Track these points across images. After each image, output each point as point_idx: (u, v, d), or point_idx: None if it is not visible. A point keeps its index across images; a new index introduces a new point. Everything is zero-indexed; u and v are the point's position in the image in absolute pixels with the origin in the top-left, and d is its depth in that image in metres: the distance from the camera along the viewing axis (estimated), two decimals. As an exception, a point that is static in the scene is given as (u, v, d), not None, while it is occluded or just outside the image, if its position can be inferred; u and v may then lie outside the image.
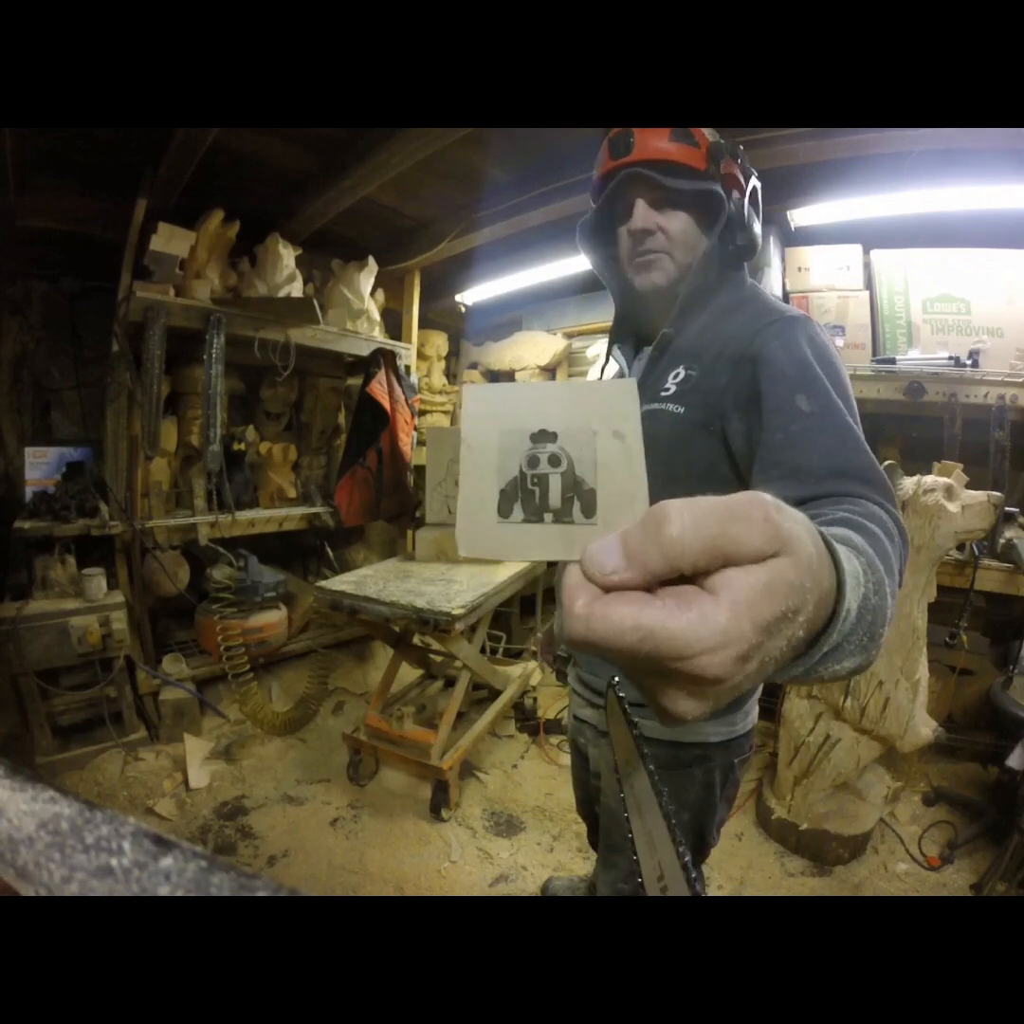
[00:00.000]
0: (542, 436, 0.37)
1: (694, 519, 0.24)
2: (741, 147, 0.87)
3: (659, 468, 0.79)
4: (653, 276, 0.87)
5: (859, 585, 0.35)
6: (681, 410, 0.80)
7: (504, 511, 0.37)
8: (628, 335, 1.00)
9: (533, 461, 0.37)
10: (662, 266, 0.86)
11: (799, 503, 0.58)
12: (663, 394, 0.83)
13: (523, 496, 0.37)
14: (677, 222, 0.85)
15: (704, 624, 0.24)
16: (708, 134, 0.85)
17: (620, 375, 0.98)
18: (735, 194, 0.85)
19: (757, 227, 0.88)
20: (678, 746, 0.91)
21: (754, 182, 0.87)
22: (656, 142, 0.82)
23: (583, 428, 0.37)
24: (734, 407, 0.75)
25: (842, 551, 0.34)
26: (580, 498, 0.36)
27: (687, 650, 0.24)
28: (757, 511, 0.25)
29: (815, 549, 0.28)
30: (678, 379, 0.83)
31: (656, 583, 0.25)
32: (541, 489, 0.37)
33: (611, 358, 1.01)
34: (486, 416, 0.39)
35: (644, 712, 0.78)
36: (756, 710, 0.97)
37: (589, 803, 1.23)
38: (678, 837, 0.39)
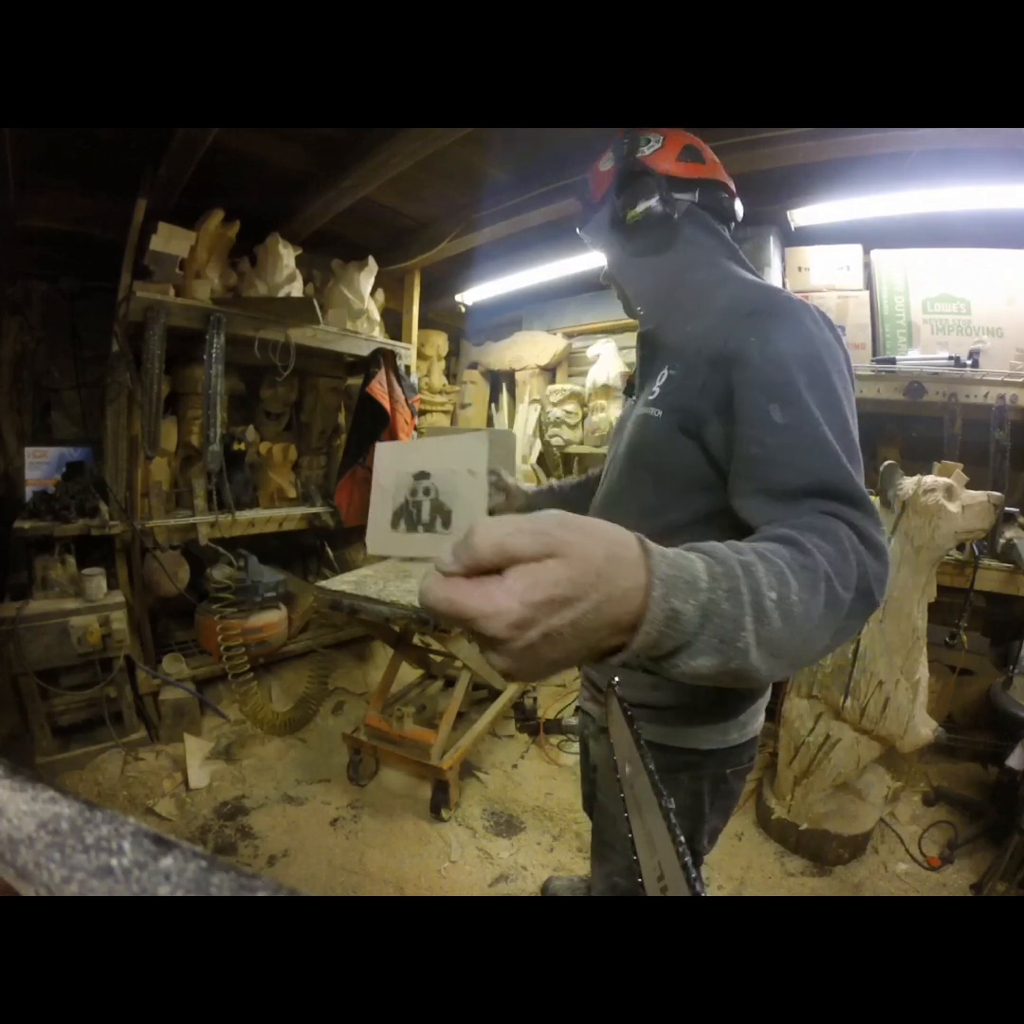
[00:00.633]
0: (421, 475, 0.59)
1: (489, 533, 0.35)
2: (636, 137, 0.90)
3: (648, 474, 0.82)
4: (626, 312, 1.01)
5: (698, 591, 0.41)
6: (660, 414, 0.79)
7: (394, 524, 0.60)
8: None
9: (413, 492, 0.60)
10: (621, 300, 1.00)
11: (773, 520, 0.62)
12: (650, 399, 0.82)
13: (406, 515, 0.60)
14: (605, 257, 0.99)
15: (486, 599, 0.34)
16: (600, 165, 0.97)
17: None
18: (611, 197, 0.92)
19: (631, 207, 0.89)
20: (668, 750, 0.88)
21: (629, 162, 0.89)
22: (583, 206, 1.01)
23: (448, 469, 0.58)
24: (713, 411, 0.72)
25: (670, 562, 0.41)
26: (441, 516, 0.59)
27: (472, 615, 0.35)
28: (538, 525, 0.36)
29: (605, 555, 0.37)
30: (662, 381, 0.81)
31: (475, 573, 0.35)
32: (417, 510, 0.60)
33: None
34: (388, 462, 0.62)
35: (644, 714, 0.79)
36: (757, 722, 0.92)
37: (593, 797, 1.25)
38: (678, 837, 0.39)
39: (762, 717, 0.94)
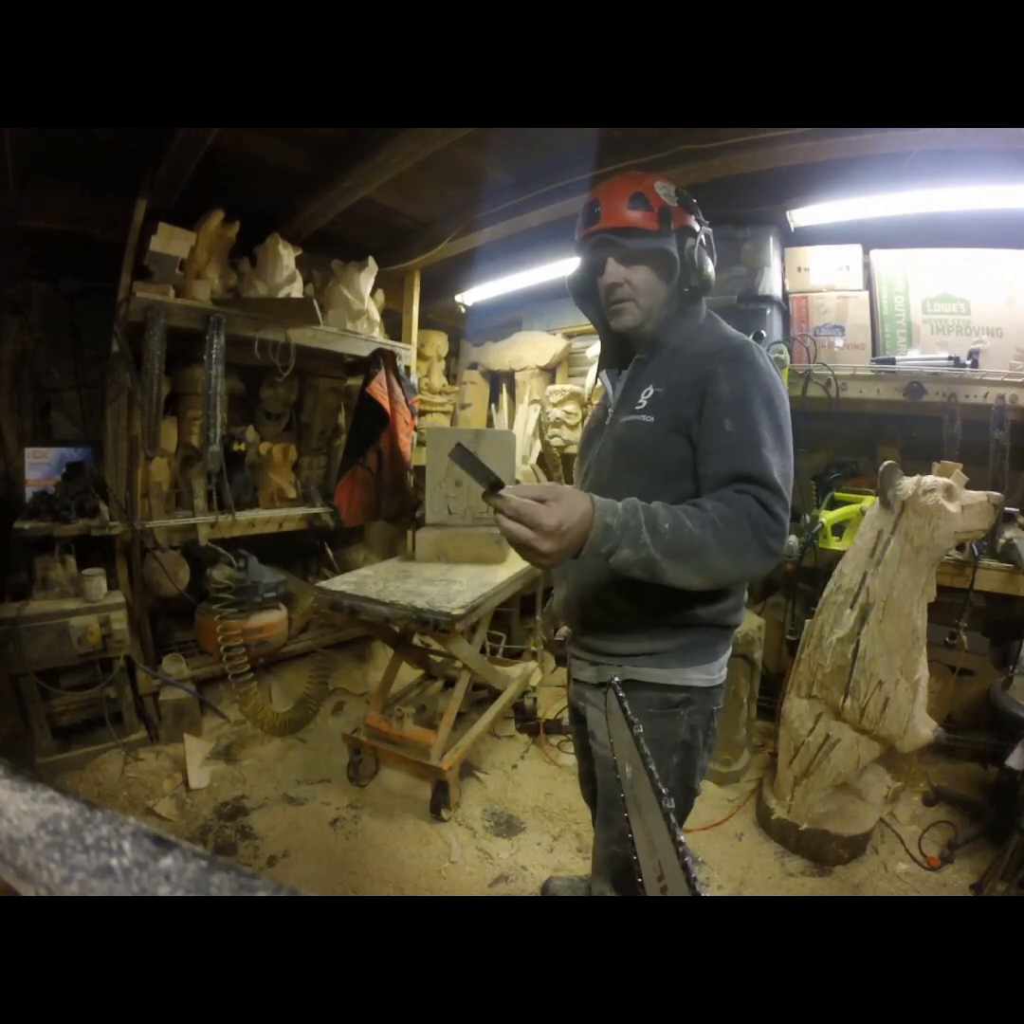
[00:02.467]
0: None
1: (529, 489, 0.81)
2: (695, 201, 1.07)
3: (640, 465, 1.06)
4: (623, 320, 1.08)
5: (617, 514, 0.84)
6: (652, 419, 1.02)
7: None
8: (613, 362, 1.20)
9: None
10: (630, 311, 1.07)
11: (709, 492, 0.93)
12: (637, 408, 1.04)
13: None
14: (640, 274, 1.04)
15: (544, 513, 0.79)
16: (662, 194, 1.02)
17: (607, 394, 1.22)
18: (689, 242, 1.04)
19: (709, 269, 1.07)
20: (668, 689, 1.07)
21: (704, 230, 1.06)
22: (618, 211, 1.02)
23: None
24: (695, 417, 0.97)
25: (607, 505, 0.84)
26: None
27: (537, 519, 0.79)
28: (539, 489, 0.82)
29: (573, 494, 0.82)
30: (648, 396, 1.04)
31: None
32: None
33: (598, 380, 1.22)
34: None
35: (648, 660, 1.10)
36: (725, 669, 1.13)
37: (592, 778, 1.27)
38: (678, 837, 0.39)
39: (726, 667, 1.15)
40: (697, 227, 1.05)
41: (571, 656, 1.24)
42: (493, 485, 0.78)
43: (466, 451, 0.80)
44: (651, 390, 1.04)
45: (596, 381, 1.26)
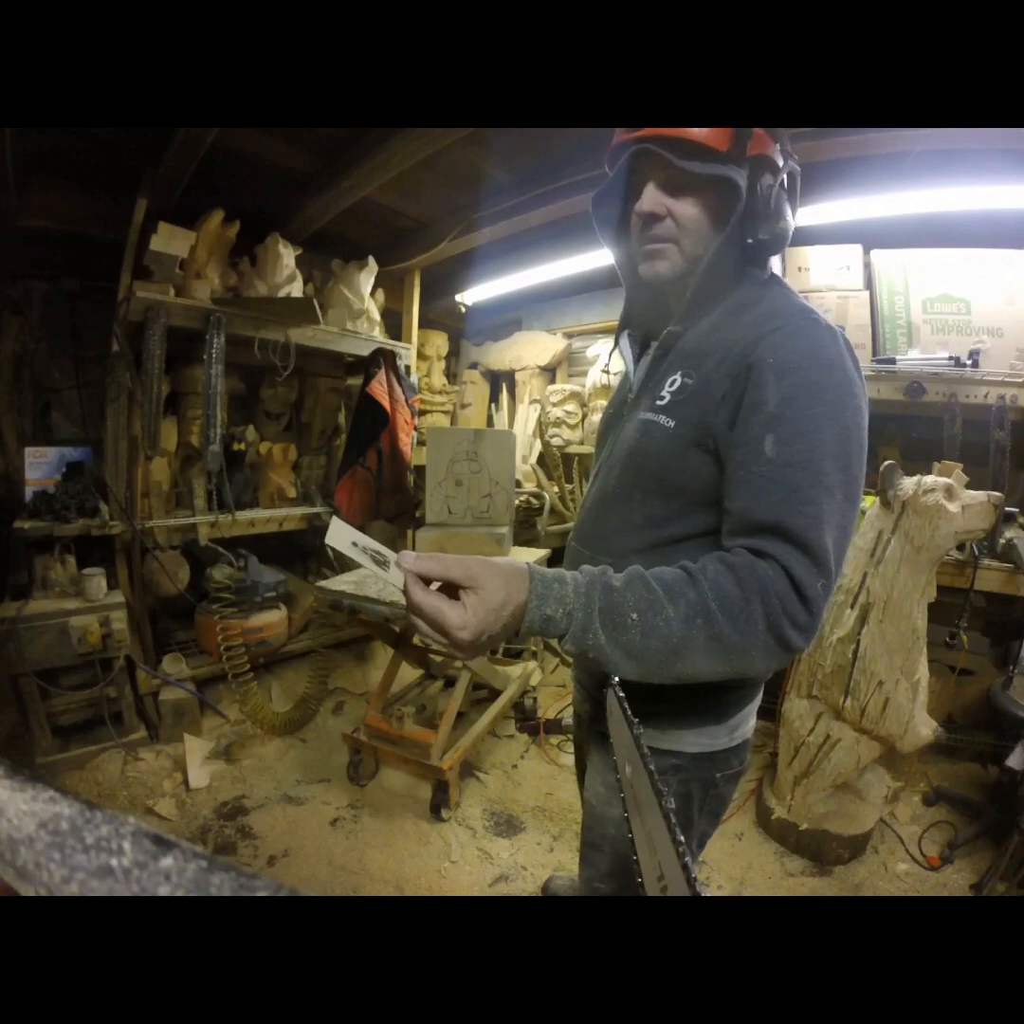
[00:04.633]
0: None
1: (437, 566, 0.63)
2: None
3: (650, 484, 0.81)
4: (657, 266, 0.80)
5: (566, 603, 0.64)
6: (672, 424, 0.76)
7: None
8: (637, 324, 0.93)
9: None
10: (668, 256, 0.79)
11: (731, 536, 0.70)
12: (658, 404, 0.78)
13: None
14: (689, 208, 0.76)
15: (457, 613, 0.62)
16: None
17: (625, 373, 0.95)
18: (766, 178, 0.74)
19: (788, 219, 0.77)
20: (654, 753, 0.84)
21: (791, 167, 0.77)
22: None
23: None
24: (728, 425, 0.71)
25: (549, 589, 0.64)
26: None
27: (450, 625, 0.62)
28: (455, 569, 0.62)
29: (494, 597, 0.62)
30: (674, 387, 0.78)
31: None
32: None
33: (617, 348, 0.94)
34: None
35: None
36: (748, 726, 0.90)
37: None
38: (678, 837, 0.39)
39: (753, 720, 0.91)
40: (781, 161, 0.76)
41: (575, 678, 1.09)
42: (380, 562, 0.63)
43: (345, 544, 0.63)
44: (678, 380, 0.77)
45: (613, 350, 0.96)
